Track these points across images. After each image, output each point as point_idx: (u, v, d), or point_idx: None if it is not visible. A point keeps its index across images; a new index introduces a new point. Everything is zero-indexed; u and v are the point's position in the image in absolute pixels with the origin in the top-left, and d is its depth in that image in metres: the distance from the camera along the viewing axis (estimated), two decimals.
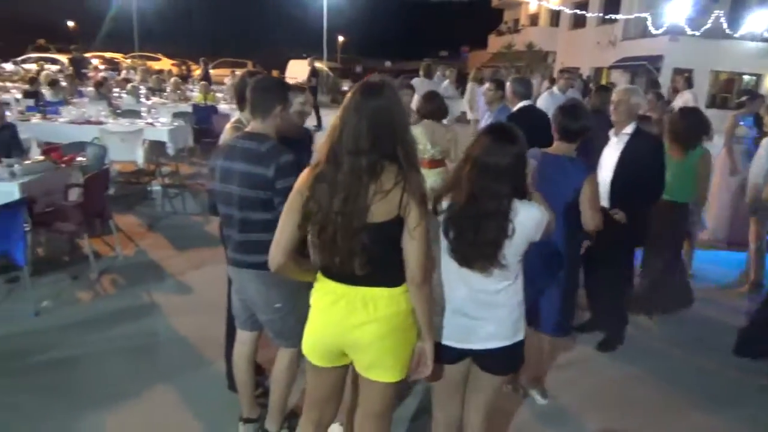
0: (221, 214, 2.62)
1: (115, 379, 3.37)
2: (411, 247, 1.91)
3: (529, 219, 2.07)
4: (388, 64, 32.04)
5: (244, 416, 2.93)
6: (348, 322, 2.00)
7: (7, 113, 6.56)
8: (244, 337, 2.85)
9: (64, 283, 4.61)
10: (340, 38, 41.37)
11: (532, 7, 33.49)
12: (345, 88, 18.47)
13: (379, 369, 2.07)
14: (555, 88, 7.72)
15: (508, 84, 5.13)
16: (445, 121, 4.75)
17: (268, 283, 2.53)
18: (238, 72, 18.16)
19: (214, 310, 3.49)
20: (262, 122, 2.50)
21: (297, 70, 18.77)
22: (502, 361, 2.24)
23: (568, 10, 28.33)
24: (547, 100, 7.24)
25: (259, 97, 2.49)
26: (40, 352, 3.60)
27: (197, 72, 21.52)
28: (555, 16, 31.26)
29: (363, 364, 2.10)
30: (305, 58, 18.76)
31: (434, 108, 4.58)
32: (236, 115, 3.13)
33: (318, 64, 20.59)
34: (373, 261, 1.93)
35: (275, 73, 15.12)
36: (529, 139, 2.13)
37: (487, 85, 5.88)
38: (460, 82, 15.52)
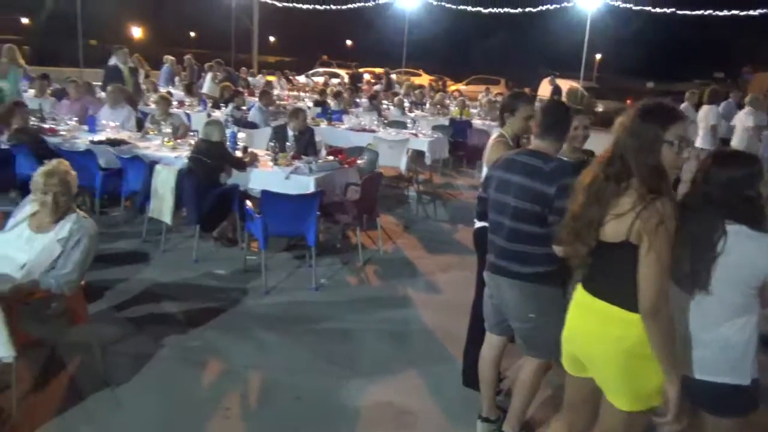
0: (491, 221, 2.81)
1: (374, 355, 3.86)
2: (640, 274, 1.93)
3: (755, 248, 1.96)
4: (650, 85, 29.50)
5: (483, 415, 3.09)
6: (585, 331, 2.13)
7: None
8: (493, 341, 3.02)
9: (336, 266, 5.39)
10: (597, 56, 39.43)
11: None
12: (600, 108, 17.58)
13: (610, 391, 2.12)
14: None
15: None
16: None
17: (525, 292, 2.68)
18: (492, 89, 18.81)
19: (458, 310, 3.78)
20: (548, 143, 2.67)
21: (547, 89, 18.61)
22: (710, 399, 2.10)
23: None
24: None
25: (549, 120, 2.68)
26: (318, 321, 4.29)
27: (452, 88, 22.76)
28: None
29: (598, 380, 2.18)
30: (557, 76, 18.51)
31: None
32: (496, 130, 3.35)
33: (574, 84, 20.08)
34: (601, 276, 2.07)
35: (527, 90, 15.17)
36: None
37: None
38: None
